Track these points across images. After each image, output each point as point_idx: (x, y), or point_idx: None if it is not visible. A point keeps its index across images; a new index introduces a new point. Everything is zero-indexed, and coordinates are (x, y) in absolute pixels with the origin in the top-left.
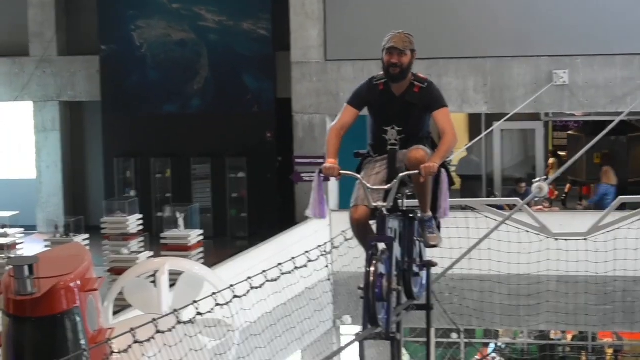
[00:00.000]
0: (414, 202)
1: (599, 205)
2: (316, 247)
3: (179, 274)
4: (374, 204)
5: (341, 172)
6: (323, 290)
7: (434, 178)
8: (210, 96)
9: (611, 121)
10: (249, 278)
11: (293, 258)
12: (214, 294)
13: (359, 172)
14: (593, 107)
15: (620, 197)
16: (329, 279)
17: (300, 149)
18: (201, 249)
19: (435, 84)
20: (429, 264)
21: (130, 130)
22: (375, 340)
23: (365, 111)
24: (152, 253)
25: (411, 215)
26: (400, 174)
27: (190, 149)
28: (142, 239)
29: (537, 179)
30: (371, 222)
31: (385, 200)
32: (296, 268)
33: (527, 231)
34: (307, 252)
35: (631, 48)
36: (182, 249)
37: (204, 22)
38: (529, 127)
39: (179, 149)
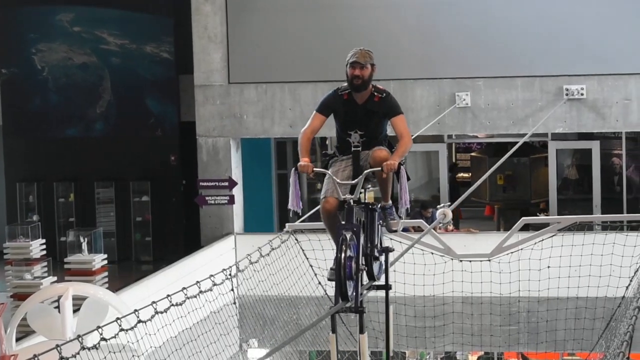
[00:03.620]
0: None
1: None
2: (221, 271)
3: (83, 299)
4: (343, 197)
5: (314, 169)
6: (228, 313)
7: (394, 174)
8: (113, 120)
9: (514, 143)
10: (154, 302)
11: (198, 282)
12: (118, 319)
13: (326, 169)
14: (495, 129)
15: (523, 218)
16: (234, 303)
17: (204, 172)
18: (105, 274)
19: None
20: (387, 249)
21: (33, 154)
22: (345, 313)
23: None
24: (55, 278)
25: (372, 207)
26: (365, 171)
27: (93, 172)
28: (45, 264)
29: (442, 204)
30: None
31: (352, 193)
32: (201, 292)
33: (432, 253)
34: (212, 275)
35: (531, 70)
36: (86, 274)
37: (106, 45)
38: (433, 148)
39: (82, 173)
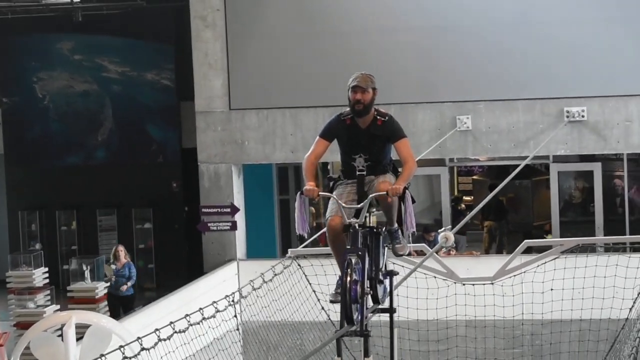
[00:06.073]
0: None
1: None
2: (224, 297)
3: (86, 327)
4: (348, 221)
5: (320, 193)
6: (232, 340)
7: (398, 198)
8: (114, 147)
9: (515, 165)
10: (157, 330)
11: (201, 309)
12: (121, 346)
13: (331, 192)
14: (497, 152)
15: (526, 240)
16: (237, 329)
17: (206, 199)
18: None
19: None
20: (392, 273)
21: (35, 182)
22: (351, 336)
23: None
24: (58, 306)
25: (376, 231)
26: (370, 195)
27: (95, 200)
28: (48, 292)
29: (443, 228)
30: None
31: (357, 217)
32: (204, 318)
33: (435, 276)
34: (215, 302)
35: (532, 93)
36: (89, 302)
37: (107, 72)
38: (434, 172)
39: (85, 201)
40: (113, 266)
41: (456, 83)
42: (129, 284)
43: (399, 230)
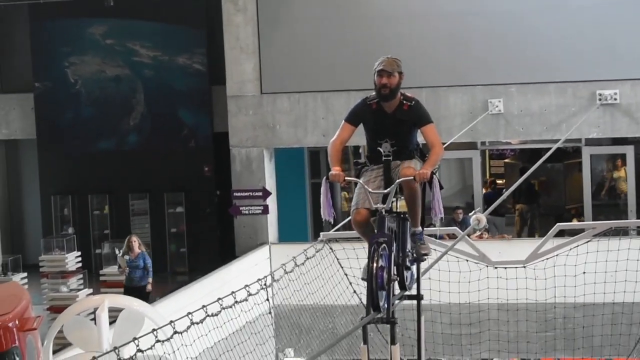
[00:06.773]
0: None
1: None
2: (256, 281)
3: (119, 310)
4: (375, 206)
5: (346, 178)
6: (264, 323)
7: (426, 183)
8: (146, 132)
9: (547, 149)
10: (190, 313)
11: (233, 292)
12: (154, 330)
13: (357, 178)
14: (529, 135)
15: (558, 224)
16: (269, 312)
17: (238, 183)
18: None
19: (422, 102)
20: (419, 259)
21: (67, 167)
22: (377, 324)
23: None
24: (91, 290)
25: (403, 216)
26: (398, 180)
27: (128, 185)
28: (81, 276)
29: (474, 210)
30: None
31: (383, 203)
32: (236, 302)
33: (467, 260)
34: (247, 285)
35: (564, 76)
36: (121, 286)
37: (139, 57)
38: (466, 156)
39: (117, 185)
40: (126, 257)
41: (488, 66)
42: (149, 280)
43: (422, 233)
